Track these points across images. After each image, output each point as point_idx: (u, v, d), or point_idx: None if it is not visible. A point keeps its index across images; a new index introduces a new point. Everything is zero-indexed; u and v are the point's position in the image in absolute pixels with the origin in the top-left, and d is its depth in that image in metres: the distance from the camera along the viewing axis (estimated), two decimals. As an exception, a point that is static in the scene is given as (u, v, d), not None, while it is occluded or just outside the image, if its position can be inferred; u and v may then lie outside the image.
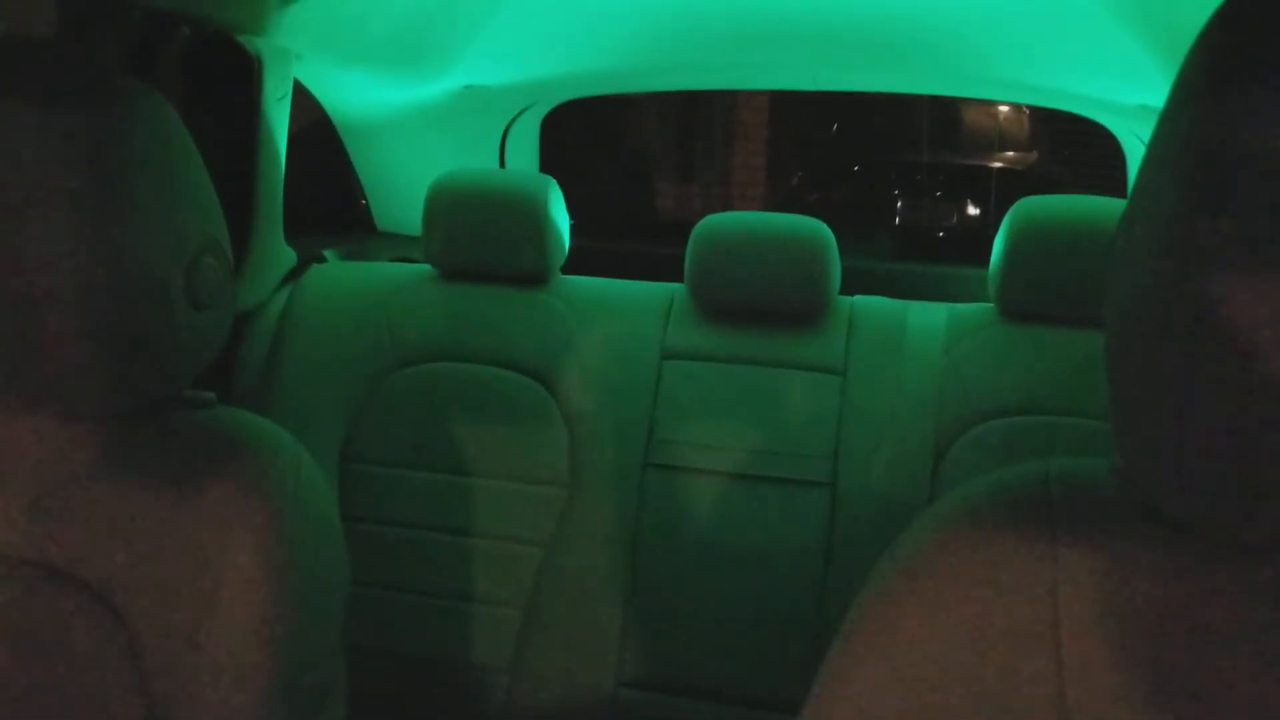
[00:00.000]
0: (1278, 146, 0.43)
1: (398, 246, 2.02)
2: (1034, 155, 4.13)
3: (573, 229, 1.69)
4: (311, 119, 1.83)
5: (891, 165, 4.30)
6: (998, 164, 4.05)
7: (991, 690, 0.54)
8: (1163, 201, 0.48)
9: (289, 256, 1.63)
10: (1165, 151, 0.49)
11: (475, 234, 1.58)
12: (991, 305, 1.49)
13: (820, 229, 1.53)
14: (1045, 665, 0.53)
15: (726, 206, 4.92)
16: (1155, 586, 0.52)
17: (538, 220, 1.56)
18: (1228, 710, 0.50)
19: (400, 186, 2.01)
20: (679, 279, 1.58)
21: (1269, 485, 0.46)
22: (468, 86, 1.88)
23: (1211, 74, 0.46)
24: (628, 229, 3.01)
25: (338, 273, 1.67)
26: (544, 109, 2.26)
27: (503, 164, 2.24)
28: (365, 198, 2.06)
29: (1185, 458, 0.48)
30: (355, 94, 1.78)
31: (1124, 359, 0.51)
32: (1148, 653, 0.52)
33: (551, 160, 2.35)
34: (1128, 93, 1.66)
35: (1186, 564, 0.52)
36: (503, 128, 2.20)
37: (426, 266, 1.65)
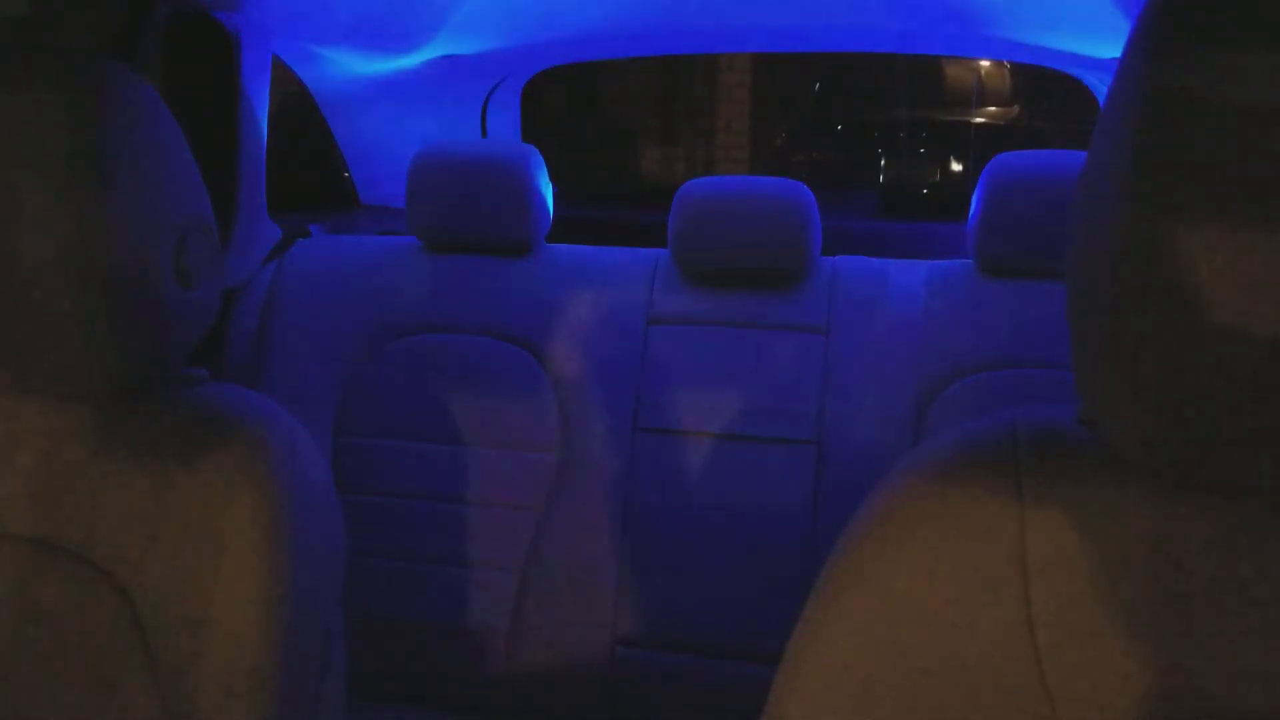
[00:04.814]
0: (1228, 101, 0.45)
1: (382, 220, 2.02)
2: (1015, 109, 4.13)
3: (556, 197, 1.70)
4: (291, 93, 1.83)
5: (874, 124, 4.29)
6: (979, 119, 4.04)
7: (961, 633, 0.55)
8: (1119, 155, 0.49)
9: (273, 232, 1.63)
10: (1121, 105, 0.50)
11: (459, 205, 1.58)
12: (970, 261, 1.50)
13: (801, 191, 1.54)
14: (1014, 606, 0.54)
15: (711, 169, 4.90)
16: (1120, 529, 0.54)
17: (521, 190, 1.57)
18: (1196, 649, 0.52)
19: (383, 159, 2.01)
20: (664, 244, 1.59)
21: (1220, 428, 0.48)
22: (447, 57, 1.88)
23: (1164, 29, 0.47)
24: (613, 195, 3.01)
25: (323, 247, 1.67)
26: (524, 77, 2.25)
27: (484, 133, 2.23)
28: (348, 171, 2.06)
29: (1141, 402, 0.49)
30: (335, 68, 1.77)
31: (1083, 308, 0.52)
32: (1115, 593, 0.53)
33: (533, 128, 2.35)
34: (1099, 47, 1.66)
35: (1150, 506, 0.54)
36: (483, 97, 2.19)
37: (412, 239, 1.65)
